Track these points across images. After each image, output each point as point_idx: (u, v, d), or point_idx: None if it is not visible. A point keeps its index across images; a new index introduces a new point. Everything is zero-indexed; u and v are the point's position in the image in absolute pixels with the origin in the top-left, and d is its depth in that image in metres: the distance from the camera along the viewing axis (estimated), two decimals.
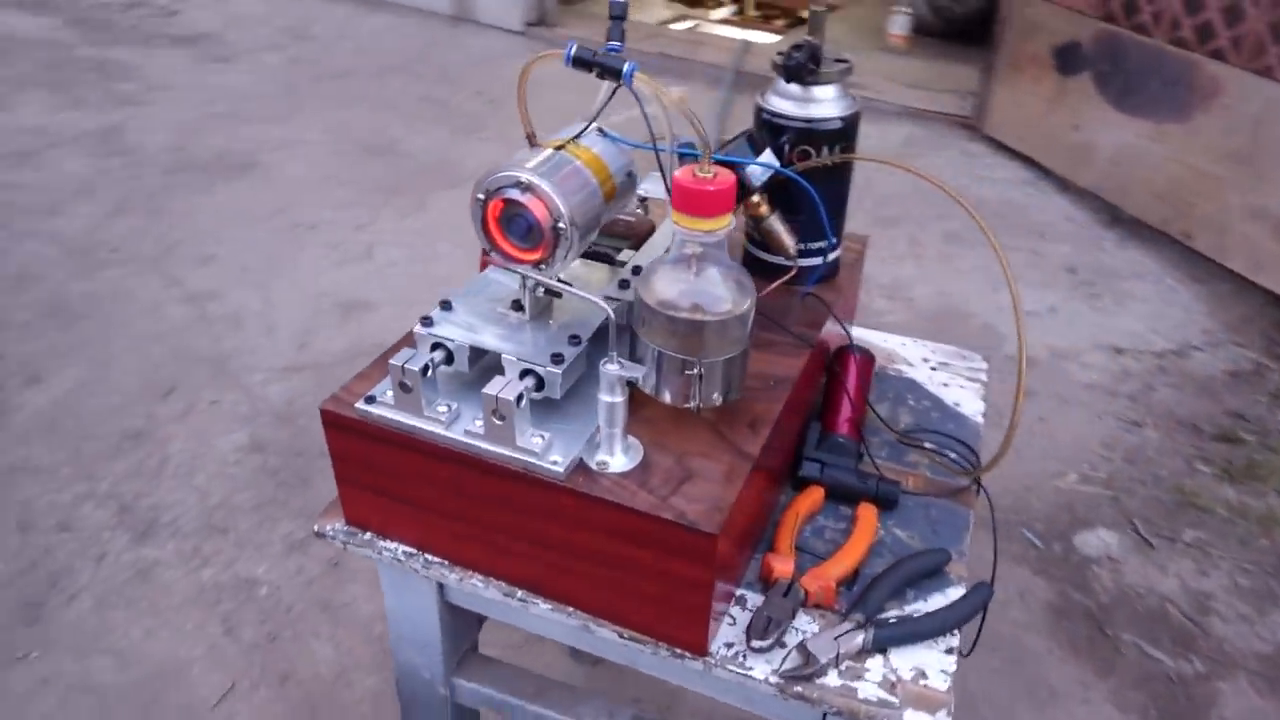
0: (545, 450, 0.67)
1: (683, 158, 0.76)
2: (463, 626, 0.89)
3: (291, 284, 2.42)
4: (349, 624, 1.53)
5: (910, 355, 1.08)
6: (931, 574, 0.79)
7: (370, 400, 0.71)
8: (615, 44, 0.74)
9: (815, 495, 0.83)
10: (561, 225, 0.66)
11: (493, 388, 0.65)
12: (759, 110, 0.86)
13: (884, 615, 0.75)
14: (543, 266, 0.69)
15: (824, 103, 0.83)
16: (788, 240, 0.83)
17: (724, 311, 0.66)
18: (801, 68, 0.79)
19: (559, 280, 0.70)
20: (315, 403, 1.97)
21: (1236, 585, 1.72)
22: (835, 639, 0.71)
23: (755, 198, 0.81)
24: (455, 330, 0.72)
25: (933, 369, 1.06)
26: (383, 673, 1.45)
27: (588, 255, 0.82)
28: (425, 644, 0.87)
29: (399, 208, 2.76)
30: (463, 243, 2.66)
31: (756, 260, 0.90)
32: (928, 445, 0.93)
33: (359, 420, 0.72)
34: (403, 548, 0.78)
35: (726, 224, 0.65)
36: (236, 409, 1.98)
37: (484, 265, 0.79)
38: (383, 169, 2.96)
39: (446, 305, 0.74)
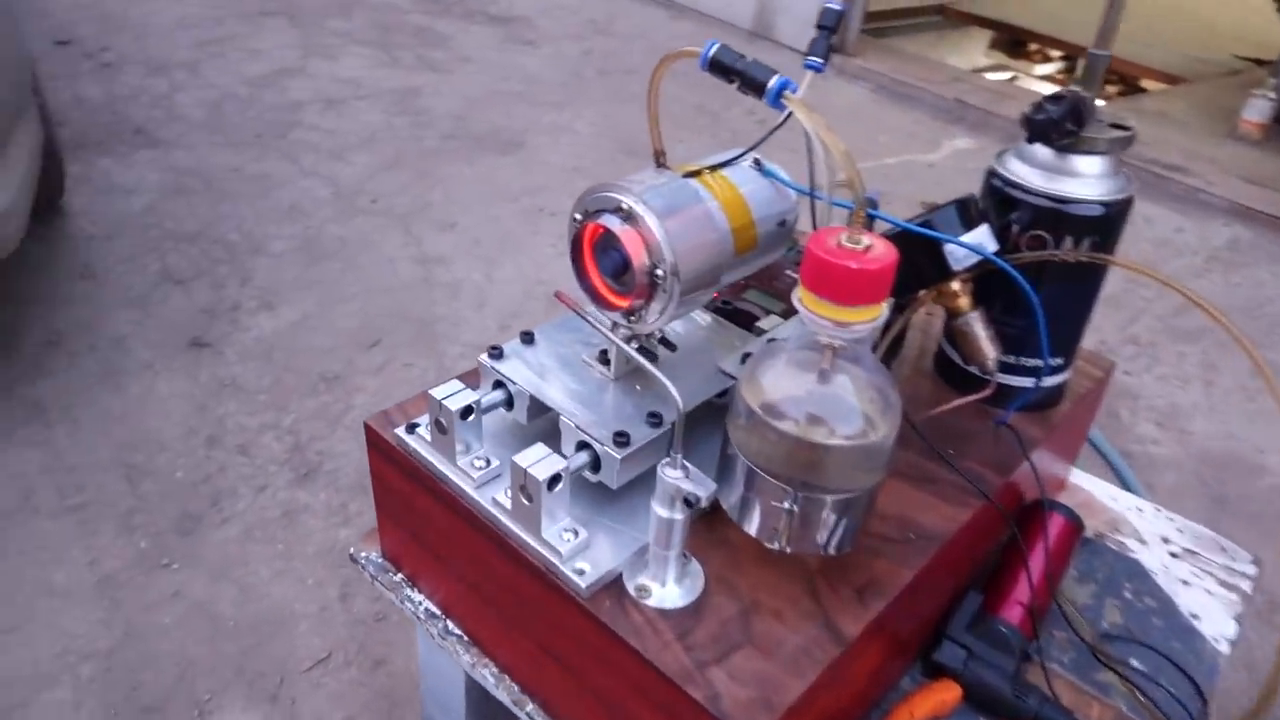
0: (574, 553, 0.52)
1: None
2: (493, 705, 0.76)
3: (515, 265, 2.43)
4: None
5: (1144, 528, 0.82)
6: None
7: (411, 429, 0.60)
8: (815, 60, 0.58)
9: (946, 694, 0.62)
10: (660, 272, 0.51)
11: (526, 457, 0.51)
12: (990, 174, 0.65)
13: None
14: (632, 318, 0.54)
15: (1083, 179, 0.61)
16: (987, 349, 0.62)
17: (848, 435, 0.48)
18: (1053, 126, 0.58)
19: (638, 342, 0.54)
20: None
21: None
22: None
23: (955, 285, 0.61)
24: (521, 372, 0.58)
25: (1173, 554, 0.79)
26: None
27: (724, 312, 0.66)
28: (450, 709, 0.76)
29: None
30: None
31: (949, 363, 0.69)
32: (1133, 666, 0.68)
33: (394, 447, 0.60)
34: (427, 605, 0.66)
35: (876, 316, 0.47)
36: (424, 376, 2.00)
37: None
38: (633, 170, 2.92)
39: (528, 338, 0.61)
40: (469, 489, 0.56)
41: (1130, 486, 1.77)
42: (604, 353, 0.59)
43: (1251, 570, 0.79)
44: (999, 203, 0.64)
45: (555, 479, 0.51)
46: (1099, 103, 0.62)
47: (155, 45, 3.50)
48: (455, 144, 3.04)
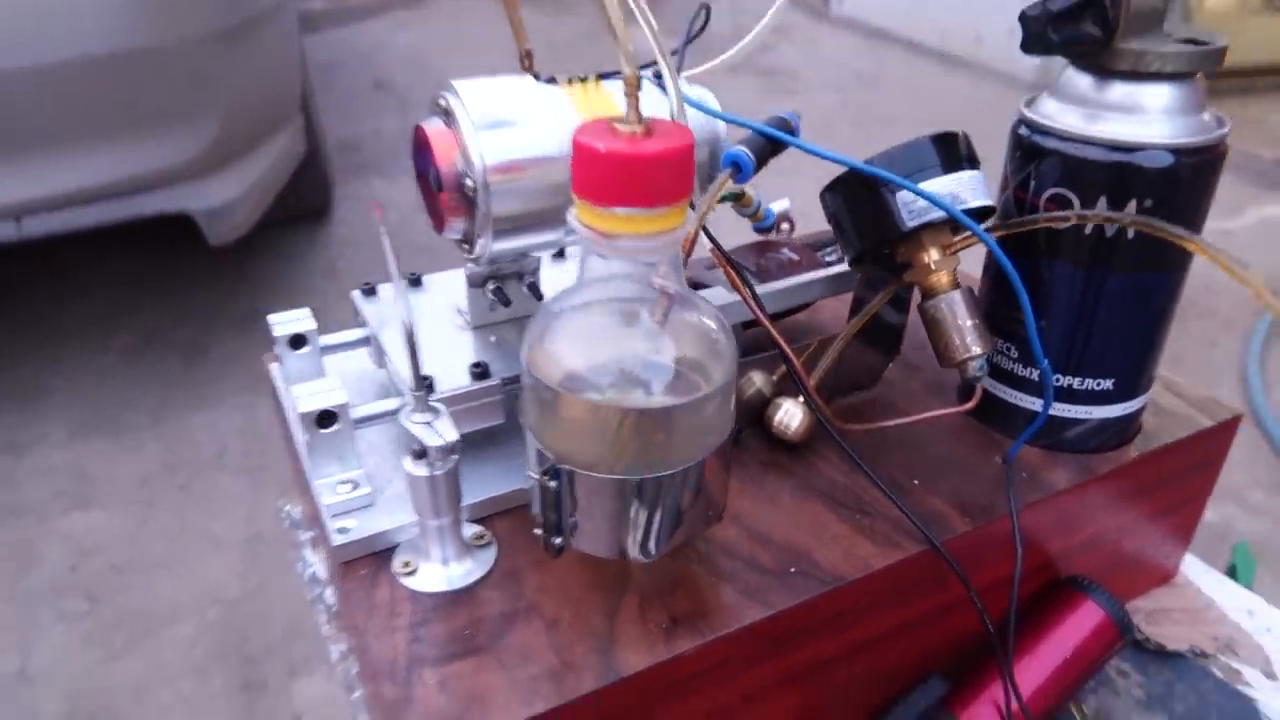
0: (348, 506, 0.44)
1: (767, 137, 0.45)
2: None
3: None
4: None
5: (1274, 648, 0.57)
6: None
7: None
8: None
9: None
10: (470, 183, 0.42)
11: (309, 386, 0.44)
12: (1017, 122, 0.49)
13: None
14: (464, 246, 0.46)
15: (1140, 115, 0.43)
16: (963, 344, 0.46)
17: (640, 397, 0.36)
18: (1055, 23, 0.41)
19: (495, 283, 0.46)
20: None
21: None
22: None
23: (931, 253, 0.46)
24: (379, 313, 0.52)
25: None
26: None
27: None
28: None
29: None
30: None
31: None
32: None
33: (269, 382, 0.56)
34: (315, 568, 0.61)
35: (677, 227, 0.35)
36: None
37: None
38: None
39: (416, 280, 0.55)
40: (292, 407, 0.49)
41: None
42: (500, 291, 0.50)
43: None
44: (1022, 157, 0.48)
45: (328, 416, 0.43)
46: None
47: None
48: None
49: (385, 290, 0.54)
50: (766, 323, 0.47)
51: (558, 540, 0.38)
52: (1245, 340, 2.16)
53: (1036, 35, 0.42)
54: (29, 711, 1.29)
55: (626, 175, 0.33)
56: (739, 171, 0.44)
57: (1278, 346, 2.15)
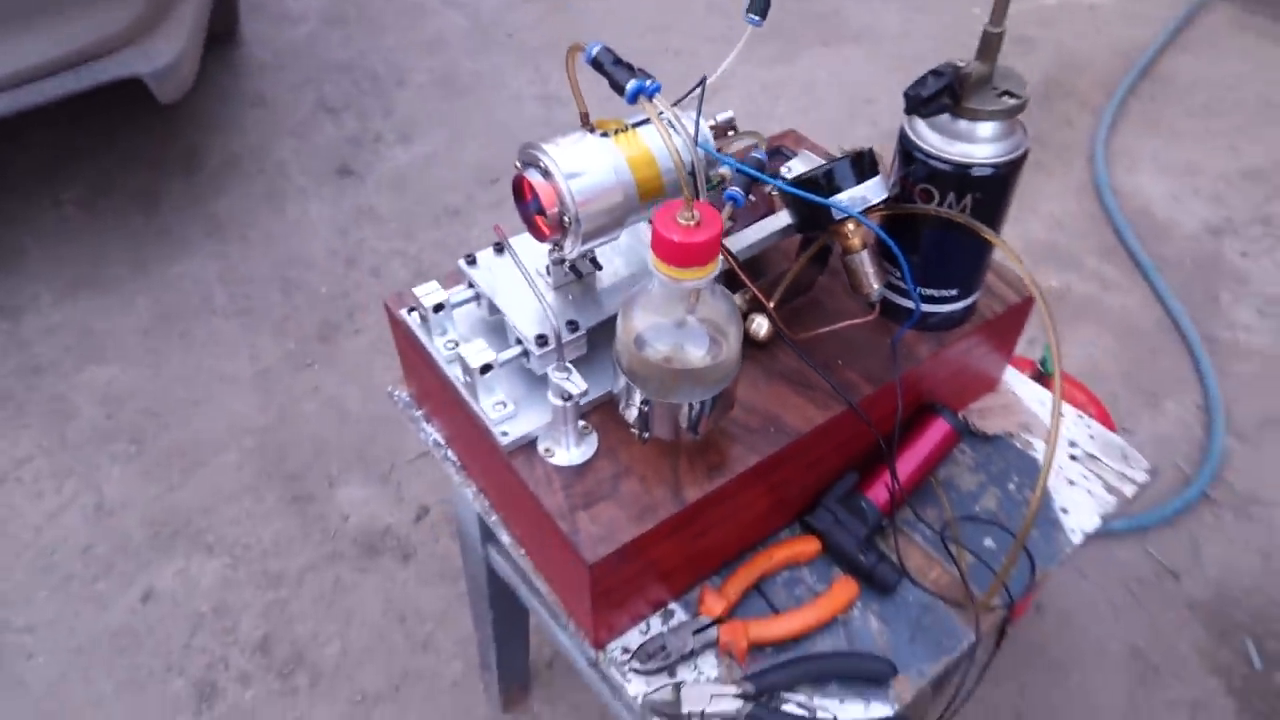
0: (504, 419, 0.72)
1: (745, 176, 0.70)
2: None
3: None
4: None
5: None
6: (870, 680, 0.73)
7: (411, 310, 0.80)
8: (754, 16, 0.70)
9: (804, 547, 0.79)
10: (567, 219, 0.66)
11: (468, 350, 0.70)
12: (901, 131, 0.74)
13: (779, 695, 0.72)
14: (554, 249, 0.70)
15: (976, 142, 0.70)
16: (869, 282, 0.74)
17: (690, 359, 0.64)
18: (924, 102, 0.67)
19: (569, 263, 0.71)
20: None
21: None
22: (711, 695, 0.71)
23: (849, 226, 0.73)
24: (485, 278, 0.76)
25: (1073, 457, 0.90)
26: None
27: None
28: (468, 505, 1.00)
29: (771, 53, 2.70)
30: (846, 91, 2.56)
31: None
32: (984, 544, 0.83)
33: (400, 323, 0.81)
34: (435, 436, 0.88)
35: (710, 273, 0.61)
36: None
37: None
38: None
39: (499, 248, 0.79)
40: (441, 364, 0.76)
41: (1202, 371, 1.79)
42: (548, 267, 0.76)
43: (1143, 479, 0.89)
44: (904, 155, 0.74)
45: (487, 366, 0.70)
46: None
47: None
48: None
49: (483, 257, 0.78)
50: (739, 269, 0.73)
51: (646, 434, 0.68)
52: (1097, 119, 2.48)
53: (914, 105, 0.67)
54: (121, 535, 1.57)
55: (686, 254, 0.59)
56: (735, 205, 0.69)
57: (1124, 126, 2.48)
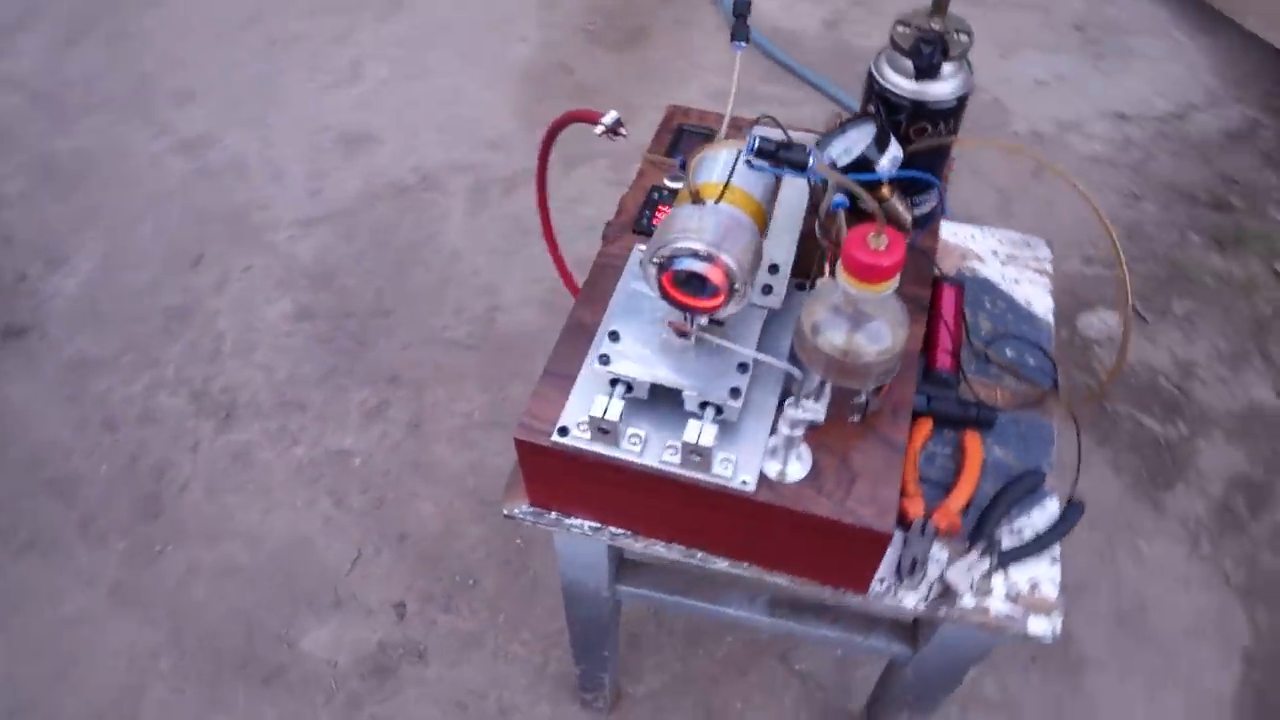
0: (735, 473, 0.77)
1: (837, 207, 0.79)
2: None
3: (285, 118, 2.32)
4: (442, 481, 1.68)
5: (981, 249, 1.16)
6: (1032, 491, 0.94)
7: (564, 432, 0.80)
8: (739, 43, 0.76)
9: (926, 428, 0.96)
10: (738, 286, 0.72)
11: (690, 433, 0.74)
12: (871, 78, 0.86)
13: (999, 539, 0.90)
14: (715, 313, 0.75)
15: (943, 81, 0.84)
16: (906, 217, 0.88)
17: (884, 349, 0.74)
18: (934, 68, 0.80)
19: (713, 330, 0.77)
20: (346, 258, 2.00)
21: (1218, 351, 1.93)
22: (968, 570, 0.87)
23: (884, 190, 0.85)
24: (632, 367, 0.79)
25: (1003, 263, 1.15)
26: (486, 521, 1.63)
27: None
28: (592, 568, 1.03)
29: (376, 10, 2.56)
30: (456, 46, 2.51)
31: None
32: (1007, 355, 1.05)
33: (554, 448, 0.81)
34: (588, 524, 0.90)
35: (895, 284, 0.71)
36: (270, 273, 2.00)
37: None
38: None
39: (615, 336, 0.81)
40: (636, 459, 0.78)
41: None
42: (670, 323, 0.80)
43: (1047, 253, 1.16)
44: (881, 99, 0.87)
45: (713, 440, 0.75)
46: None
47: None
48: None
49: (608, 348, 0.79)
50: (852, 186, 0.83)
51: (857, 417, 0.78)
52: None
53: (927, 72, 0.80)
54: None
55: (877, 274, 0.69)
56: (846, 209, 0.78)
57: None
